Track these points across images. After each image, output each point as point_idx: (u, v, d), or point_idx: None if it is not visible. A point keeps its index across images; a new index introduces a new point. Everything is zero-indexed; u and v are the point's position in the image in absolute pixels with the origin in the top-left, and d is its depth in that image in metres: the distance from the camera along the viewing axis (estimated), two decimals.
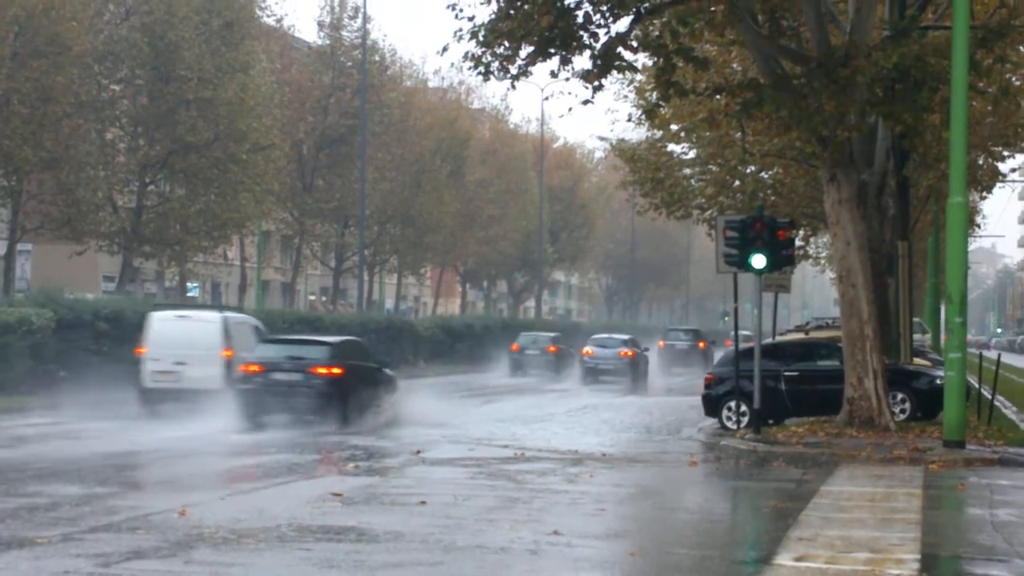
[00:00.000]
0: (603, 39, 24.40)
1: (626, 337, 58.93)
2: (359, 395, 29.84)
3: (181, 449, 23.41)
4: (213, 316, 33.40)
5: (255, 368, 29.18)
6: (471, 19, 24.37)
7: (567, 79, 25.02)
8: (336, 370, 29.23)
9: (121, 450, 23.21)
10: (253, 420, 28.34)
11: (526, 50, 24.17)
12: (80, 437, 25.58)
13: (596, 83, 24.62)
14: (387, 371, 32.64)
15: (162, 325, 32.41)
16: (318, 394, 28.82)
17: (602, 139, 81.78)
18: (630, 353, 55.56)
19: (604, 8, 24.27)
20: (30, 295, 39.65)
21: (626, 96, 43.59)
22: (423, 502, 16.59)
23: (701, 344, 67.42)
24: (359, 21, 65.64)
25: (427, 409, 32.54)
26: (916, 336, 37.73)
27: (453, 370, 59.19)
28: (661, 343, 69.40)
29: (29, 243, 56.84)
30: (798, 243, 40.57)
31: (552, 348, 59.64)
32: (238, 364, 30.36)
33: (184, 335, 32.10)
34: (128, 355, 32.92)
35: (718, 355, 44.94)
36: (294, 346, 30.56)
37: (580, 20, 24.12)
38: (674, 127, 39.25)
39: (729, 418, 28.17)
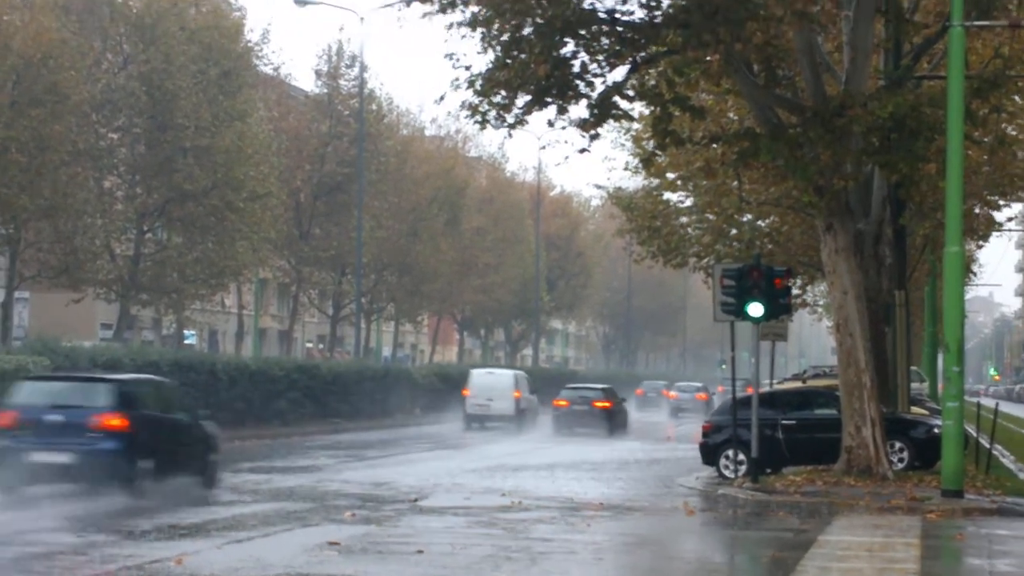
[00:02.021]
0: (599, 88, 24.47)
1: (700, 384, 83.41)
2: (617, 418, 51.65)
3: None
4: (508, 372, 56.72)
5: (563, 403, 51.78)
6: (468, 68, 24.45)
7: (564, 128, 25.00)
8: (607, 404, 51.29)
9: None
10: (562, 433, 49.23)
11: (523, 99, 24.23)
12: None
13: (593, 132, 24.68)
14: (624, 405, 54.42)
15: (478, 377, 53.78)
16: (596, 418, 50.20)
17: (599, 187, 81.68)
18: (704, 396, 77.57)
19: (600, 58, 24.34)
20: (27, 343, 39.60)
21: (623, 145, 43.69)
22: (420, 551, 16.55)
23: (748, 389, 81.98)
24: (356, 70, 65.85)
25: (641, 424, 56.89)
26: (914, 385, 37.67)
27: None
28: (720, 388, 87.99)
29: (27, 291, 56.88)
30: (795, 292, 40.56)
31: (667, 392, 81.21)
32: (523, 401, 52.96)
33: (491, 382, 53.09)
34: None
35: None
36: (582, 390, 53.78)
37: (576, 69, 24.19)
38: (671, 176, 39.32)
39: (727, 467, 28.12)
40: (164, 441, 23.34)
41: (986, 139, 30.67)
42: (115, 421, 22.15)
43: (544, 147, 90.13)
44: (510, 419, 51.69)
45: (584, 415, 50.41)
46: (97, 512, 20.23)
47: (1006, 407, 57.18)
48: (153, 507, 21.12)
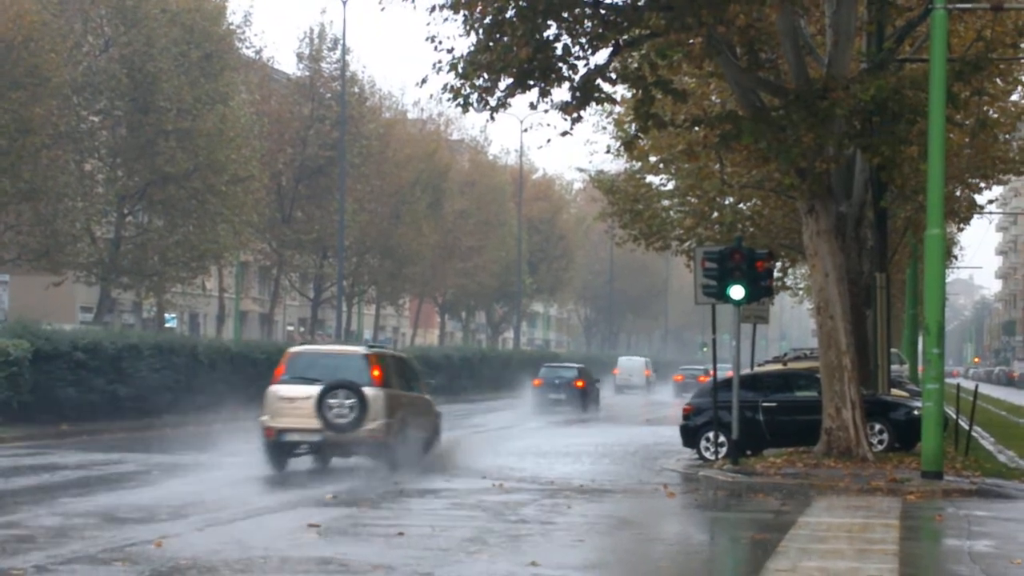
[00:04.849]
0: (582, 71, 24.44)
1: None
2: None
3: None
4: (640, 358, 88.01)
5: (680, 377, 79.53)
6: (450, 51, 24.38)
7: (546, 111, 24.97)
8: (706, 379, 64.99)
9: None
10: (678, 397, 65.98)
11: (505, 82, 24.18)
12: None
13: (575, 115, 24.64)
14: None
15: (624, 361, 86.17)
16: (700, 387, 65.86)
17: (581, 170, 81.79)
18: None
19: (583, 40, 24.31)
20: (7, 326, 39.45)
21: (605, 128, 43.61)
22: (401, 533, 16.55)
23: (676, 377, 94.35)
24: (338, 53, 65.77)
25: None
26: (894, 367, 37.77)
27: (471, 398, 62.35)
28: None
29: (6, 274, 56.73)
30: (776, 274, 40.60)
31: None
32: (651, 377, 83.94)
33: (631, 365, 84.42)
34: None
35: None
36: (693, 369, 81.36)
37: (559, 52, 24.15)
38: (653, 159, 39.24)
39: (707, 448, 28.15)
40: (589, 394, 55.52)
41: (968, 122, 30.70)
42: (581, 383, 54.94)
43: (526, 130, 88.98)
44: (642, 388, 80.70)
45: (693, 386, 70.20)
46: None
47: (985, 389, 57.38)
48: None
